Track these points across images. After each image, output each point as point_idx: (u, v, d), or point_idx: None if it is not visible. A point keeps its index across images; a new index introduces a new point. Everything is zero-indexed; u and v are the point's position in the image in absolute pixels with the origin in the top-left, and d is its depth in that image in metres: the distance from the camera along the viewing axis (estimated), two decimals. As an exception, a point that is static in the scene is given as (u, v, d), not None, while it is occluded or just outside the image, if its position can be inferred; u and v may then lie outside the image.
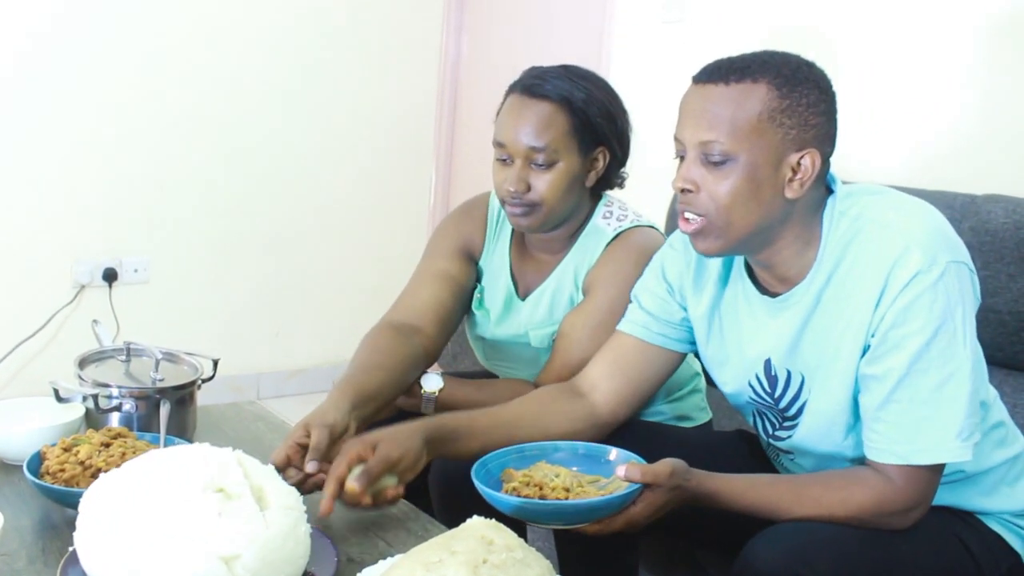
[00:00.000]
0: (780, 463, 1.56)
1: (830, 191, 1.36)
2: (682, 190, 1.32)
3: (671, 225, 2.37)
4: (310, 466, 1.35)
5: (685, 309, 1.53)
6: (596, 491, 1.32)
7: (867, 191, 1.36)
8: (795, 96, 1.27)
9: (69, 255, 3.27)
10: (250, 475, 1.16)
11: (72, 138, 3.20)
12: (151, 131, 3.33)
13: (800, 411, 1.41)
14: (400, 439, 1.35)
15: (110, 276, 3.33)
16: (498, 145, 1.65)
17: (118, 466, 1.21)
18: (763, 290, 1.42)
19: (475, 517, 1.09)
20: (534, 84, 1.63)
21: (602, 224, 1.72)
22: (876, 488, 1.30)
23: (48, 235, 3.22)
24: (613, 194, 1.78)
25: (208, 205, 3.49)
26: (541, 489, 1.29)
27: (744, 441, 1.69)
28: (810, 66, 1.31)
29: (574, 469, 1.38)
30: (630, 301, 1.60)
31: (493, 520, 1.09)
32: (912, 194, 1.75)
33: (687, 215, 1.33)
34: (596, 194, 1.75)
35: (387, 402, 1.61)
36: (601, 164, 1.69)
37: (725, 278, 1.48)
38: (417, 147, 3.93)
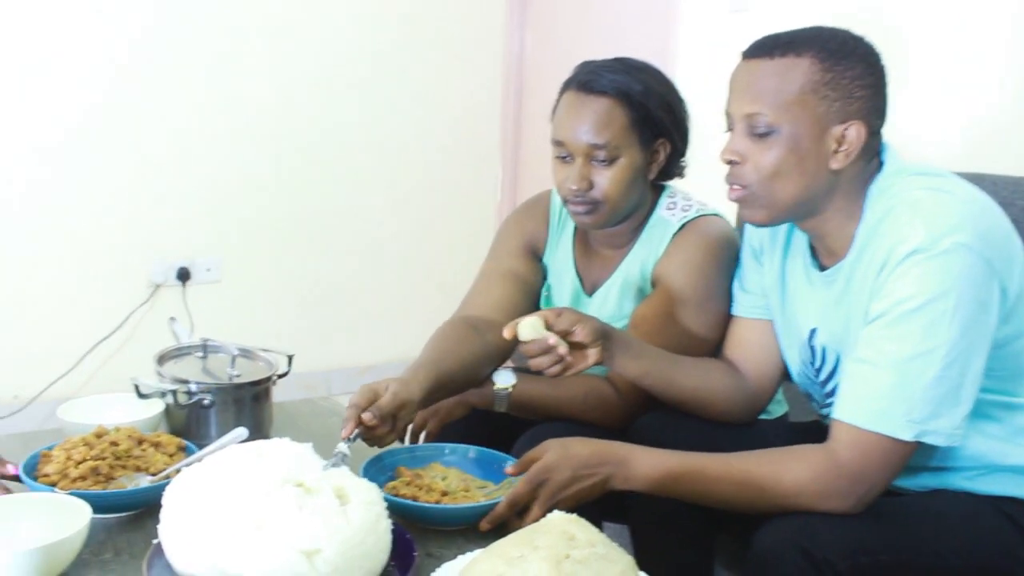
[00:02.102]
0: None
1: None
2: (729, 162, 1.35)
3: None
4: (367, 415, 1.38)
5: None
6: (481, 496, 1.37)
7: (915, 170, 1.34)
8: (839, 69, 1.28)
9: (144, 256, 3.33)
10: (331, 470, 1.16)
11: (145, 145, 3.26)
12: (221, 135, 3.38)
13: (835, 388, 1.41)
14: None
15: (184, 275, 3.38)
16: (557, 143, 1.63)
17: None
18: (818, 262, 1.43)
19: (556, 512, 1.08)
20: (590, 79, 1.61)
21: (667, 215, 1.70)
22: (814, 462, 1.27)
23: (124, 237, 3.28)
24: (676, 184, 1.76)
25: (277, 204, 3.53)
26: (420, 490, 1.34)
27: (819, 429, 1.66)
28: (858, 40, 1.32)
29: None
30: (716, 289, 1.62)
31: (575, 515, 1.07)
32: (965, 178, 1.69)
33: (733, 185, 1.36)
34: (657, 185, 1.73)
35: (456, 391, 1.62)
36: (662, 156, 1.66)
37: (787, 246, 1.50)
38: (483, 143, 3.93)
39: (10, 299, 3.12)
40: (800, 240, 1.47)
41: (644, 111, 1.61)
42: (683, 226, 1.67)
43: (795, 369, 1.52)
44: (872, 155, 1.34)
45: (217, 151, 3.39)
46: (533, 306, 1.80)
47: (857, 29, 1.39)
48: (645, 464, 1.34)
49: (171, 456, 1.40)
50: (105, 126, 3.19)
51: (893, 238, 1.26)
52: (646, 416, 1.56)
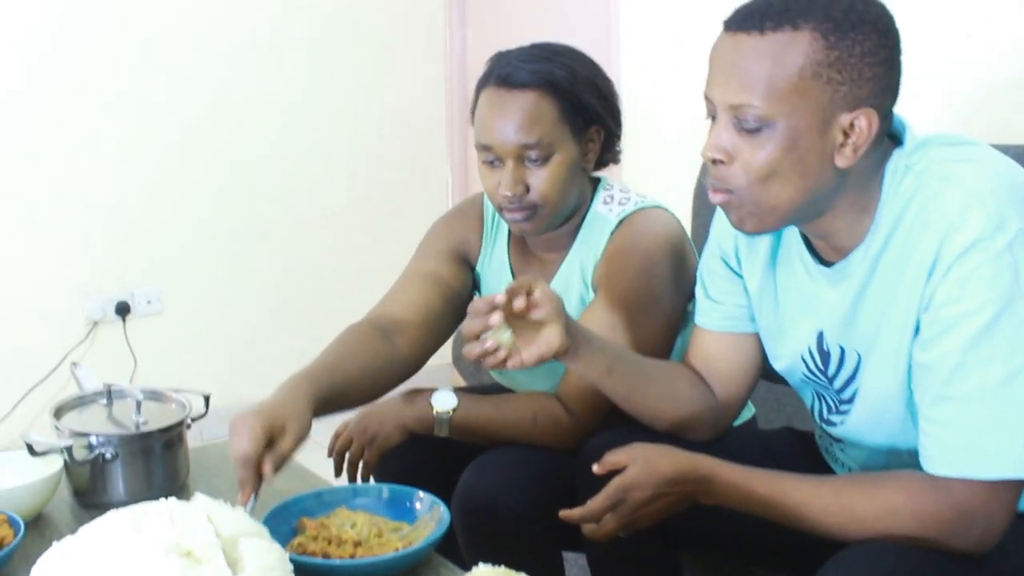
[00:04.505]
0: (832, 454, 1.39)
1: (899, 142, 1.16)
2: (712, 160, 1.13)
3: (699, 204, 2.18)
4: (268, 469, 1.22)
5: (743, 278, 1.36)
6: (397, 541, 1.22)
7: (942, 140, 1.14)
8: (846, 44, 1.06)
9: (80, 291, 3.16)
10: (225, 530, 1.01)
11: (74, 171, 3.09)
12: (153, 157, 3.21)
13: (855, 394, 1.24)
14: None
15: (123, 310, 3.21)
16: (483, 148, 1.49)
17: None
18: (818, 257, 1.23)
19: (481, 565, 0.94)
20: (510, 72, 1.47)
21: (603, 211, 1.56)
22: (912, 485, 1.09)
23: (56, 273, 3.10)
24: (612, 176, 1.62)
25: (218, 229, 3.36)
26: (329, 544, 1.20)
27: (791, 438, 1.53)
28: (867, 3, 1.09)
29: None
30: (657, 293, 1.46)
31: (502, 568, 0.93)
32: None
33: (716, 188, 1.14)
34: (592, 178, 1.60)
35: (358, 401, 1.48)
36: (597, 144, 1.53)
37: (775, 247, 1.30)
38: (429, 148, 3.76)
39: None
40: (791, 236, 1.27)
41: (573, 99, 1.47)
42: (621, 222, 1.53)
43: (796, 378, 1.33)
44: (883, 138, 1.13)
45: (151, 177, 3.22)
46: (454, 314, 1.64)
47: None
48: (730, 482, 1.19)
49: None
50: (30, 154, 3.02)
51: (939, 225, 1.06)
52: (599, 436, 1.41)
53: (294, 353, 3.50)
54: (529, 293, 1.22)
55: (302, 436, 1.29)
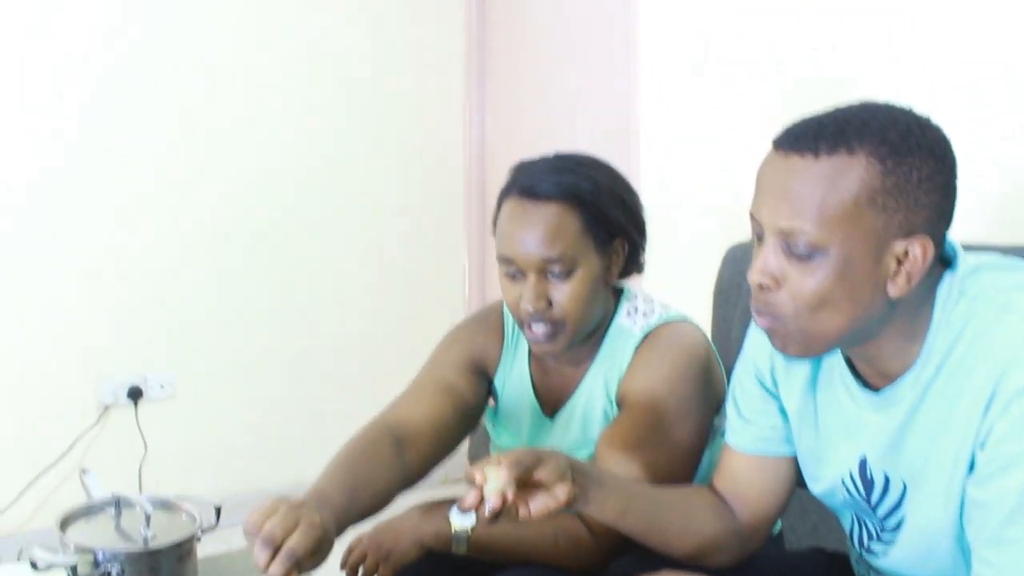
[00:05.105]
0: None
1: (948, 264, 1.12)
2: (759, 286, 1.09)
3: (719, 301, 2.14)
4: None
5: (779, 398, 1.31)
6: None
7: (996, 265, 1.11)
8: (903, 170, 1.02)
9: (92, 375, 3.13)
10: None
11: (87, 255, 3.09)
12: (169, 241, 3.22)
13: (900, 524, 1.18)
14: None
15: (135, 394, 3.18)
16: (505, 260, 1.46)
17: None
18: (862, 380, 1.18)
19: None
20: (533, 184, 1.44)
21: (627, 323, 1.53)
22: None
23: (68, 357, 3.08)
24: (634, 286, 1.59)
25: (233, 316, 3.34)
26: None
27: (824, 562, 1.47)
28: (924, 127, 1.06)
29: None
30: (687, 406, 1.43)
31: None
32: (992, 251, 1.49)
33: (761, 313, 1.11)
34: (615, 288, 1.57)
35: (360, 520, 1.44)
36: (621, 256, 1.50)
37: (817, 363, 1.25)
38: (447, 234, 3.76)
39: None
40: (833, 358, 1.22)
41: (597, 211, 1.44)
42: (646, 335, 1.50)
43: (836, 498, 1.28)
44: (936, 264, 1.09)
45: (166, 260, 3.22)
46: (464, 428, 1.60)
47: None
48: None
49: None
50: (43, 237, 3.02)
51: (997, 357, 1.03)
52: (624, 558, 1.37)
53: (307, 443, 3.49)
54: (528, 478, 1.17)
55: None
